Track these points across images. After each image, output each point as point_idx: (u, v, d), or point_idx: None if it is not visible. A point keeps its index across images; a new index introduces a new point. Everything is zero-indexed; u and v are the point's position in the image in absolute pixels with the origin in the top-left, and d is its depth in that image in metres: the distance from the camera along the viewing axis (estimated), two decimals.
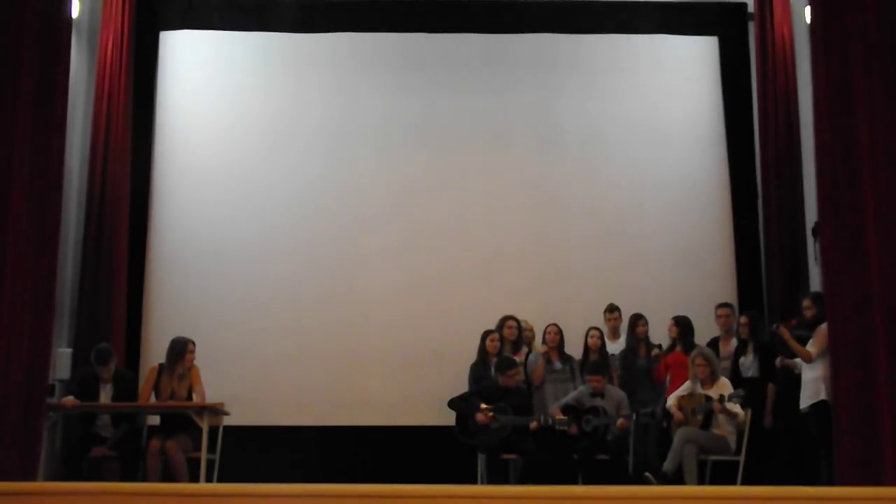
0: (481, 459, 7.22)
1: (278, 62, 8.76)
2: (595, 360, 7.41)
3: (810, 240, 7.91)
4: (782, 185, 8.13)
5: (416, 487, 3.73)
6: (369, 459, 7.82)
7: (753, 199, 8.48)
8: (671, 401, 7.08)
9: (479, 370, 7.54)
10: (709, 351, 7.13)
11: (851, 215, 5.21)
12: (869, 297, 5.09)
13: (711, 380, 6.96)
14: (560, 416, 7.05)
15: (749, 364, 7.17)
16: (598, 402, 7.12)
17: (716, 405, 6.80)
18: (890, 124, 5.19)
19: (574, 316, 7.94)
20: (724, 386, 6.93)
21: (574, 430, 6.99)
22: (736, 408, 6.82)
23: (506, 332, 7.63)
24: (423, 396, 8.05)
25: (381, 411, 8.14)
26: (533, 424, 7.03)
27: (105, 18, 8.21)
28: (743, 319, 7.39)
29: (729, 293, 8.31)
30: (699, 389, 6.97)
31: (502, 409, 7.07)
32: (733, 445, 6.86)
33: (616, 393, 7.22)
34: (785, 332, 6.78)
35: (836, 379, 5.33)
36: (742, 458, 6.81)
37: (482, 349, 7.58)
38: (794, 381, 6.81)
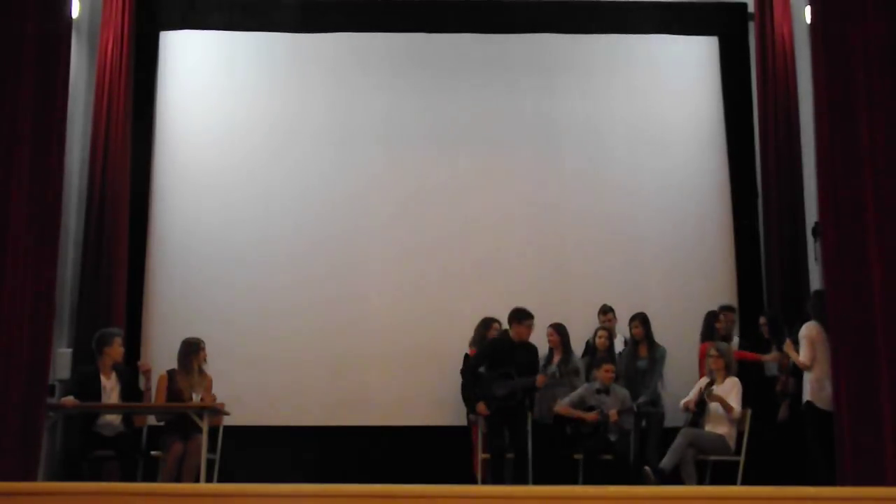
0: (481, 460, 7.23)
1: (279, 62, 8.76)
2: (603, 355, 7.40)
3: (810, 240, 7.91)
4: (782, 185, 8.13)
5: (416, 487, 3.73)
6: (369, 459, 7.82)
7: (753, 199, 8.48)
8: (686, 400, 7.08)
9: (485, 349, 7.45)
10: (724, 344, 7.16)
11: (851, 215, 5.21)
12: (869, 297, 5.10)
13: (725, 374, 6.98)
14: (573, 413, 7.06)
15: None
16: (602, 398, 7.10)
17: (712, 392, 6.84)
18: (890, 124, 5.19)
19: (574, 317, 7.93)
20: (735, 385, 6.93)
21: (593, 416, 7.00)
22: (732, 400, 6.82)
23: (490, 335, 7.62)
24: (423, 396, 8.07)
25: (381, 411, 8.14)
26: (539, 379, 6.98)
27: (105, 18, 8.21)
28: (762, 320, 7.44)
29: (729, 293, 8.31)
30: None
31: (507, 374, 7.02)
32: (733, 445, 6.86)
33: (620, 391, 7.19)
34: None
35: (836, 379, 5.34)
36: (742, 458, 6.82)
37: (482, 336, 7.58)
38: (795, 380, 6.85)
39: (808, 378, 6.49)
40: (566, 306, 8.10)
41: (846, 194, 5.24)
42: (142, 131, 8.42)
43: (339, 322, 8.28)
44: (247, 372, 7.97)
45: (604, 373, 7.18)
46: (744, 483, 6.57)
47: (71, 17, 6.00)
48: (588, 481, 6.87)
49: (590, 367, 7.57)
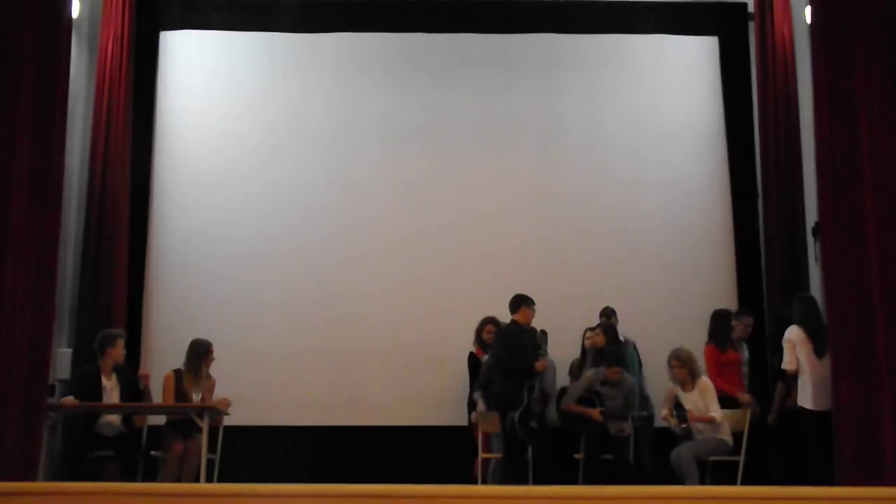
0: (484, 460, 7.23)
1: (279, 62, 8.76)
2: (613, 351, 7.23)
3: (810, 240, 7.91)
4: (782, 185, 8.12)
5: (416, 487, 3.73)
6: (369, 459, 7.82)
7: (753, 199, 8.48)
8: (664, 411, 7.04)
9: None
10: (684, 352, 6.99)
11: (851, 215, 5.21)
12: (869, 297, 5.10)
13: (692, 380, 6.91)
14: (577, 409, 7.03)
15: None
16: (607, 389, 7.02)
17: (689, 416, 6.80)
18: (890, 124, 5.19)
19: (574, 315, 7.94)
20: (707, 387, 6.88)
21: (596, 413, 6.95)
22: (713, 408, 6.79)
23: (485, 335, 7.63)
24: (423, 396, 8.07)
25: (381, 411, 8.14)
26: (541, 364, 6.98)
27: (105, 18, 8.21)
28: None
29: (729, 293, 8.31)
30: (682, 392, 6.95)
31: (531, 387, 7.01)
32: (731, 440, 6.86)
33: (627, 381, 7.09)
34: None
35: (836, 379, 5.34)
36: (742, 458, 6.82)
37: (479, 337, 7.60)
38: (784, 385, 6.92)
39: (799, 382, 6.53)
40: (565, 303, 8.08)
41: (846, 194, 5.24)
42: (142, 131, 8.42)
43: (339, 321, 8.28)
44: (246, 371, 7.96)
45: (612, 374, 7.05)
46: (744, 483, 6.57)
47: (71, 17, 5.99)
48: (588, 481, 6.86)
49: (580, 368, 7.58)
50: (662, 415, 7.02)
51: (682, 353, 6.95)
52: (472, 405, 7.55)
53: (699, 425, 6.83)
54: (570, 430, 7.18)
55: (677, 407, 6.84)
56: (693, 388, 6.90)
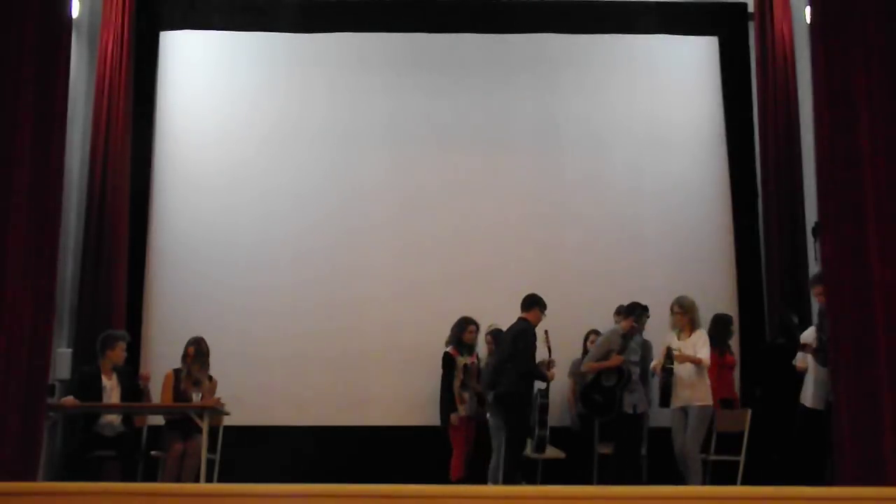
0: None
1: (279, 63, 8.77)
2: (635, 305, 7.33)
3: (810, 240, 7.93)
4: (782, 185, 8.14)
5: (416, 487, 3.73)
6: (369, 459, 7.82)
7: (753, 199, 8.49)
8: (654, 362, 7.14)
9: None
10: (687, 300, 7.07)
11: (851, 215, 5.20)
12: (869, 296, 5.09)
13: (690, 329, 6.96)
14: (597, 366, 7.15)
15: None
16: (626, 341, 7.11)
17: (675, 354, 6.83)
18: (890, 124, 5.18)
19: (574, 317, 7.96)
20: (700, 335, 6.94)
21: (617, 360, 7.04)
22: (702, 352, 6.80)
23: (466, 336, 7.66)
24: (423, 397, 8.06)
25: (381, 411, 8.14)
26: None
27: (105, 18, 8.22)
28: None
29: (729, 293, 8.32)
30: (676, 341, 6.97)
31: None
32: (710, 401, 6.85)
33: (648, 344, 7.27)
34: None
35: (836, 378, 5.34)
36: (742, 458, 6.83)
37: (458, 337, 7.66)
38: (796, 380, 6.91)
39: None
40: (565, 305, 8.06)
41: (846, 194, 5.23)
42: (142, 131, 8.43)
43: (339, 321, 8.29)
44: (247, 372, 7.97)
45: (628, 324, 7.18)
46: (744, 483, 6.58)
47: (71, 17, 5.99)
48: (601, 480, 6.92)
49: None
50: (653, 364, 7.09)
51: (686, 301, 7.06)
52: (445, 407, 7.52)
53: (681, 373, 6.81)
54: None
55: (668, 359, 6.89)
56: (689, 336, 6.95)
